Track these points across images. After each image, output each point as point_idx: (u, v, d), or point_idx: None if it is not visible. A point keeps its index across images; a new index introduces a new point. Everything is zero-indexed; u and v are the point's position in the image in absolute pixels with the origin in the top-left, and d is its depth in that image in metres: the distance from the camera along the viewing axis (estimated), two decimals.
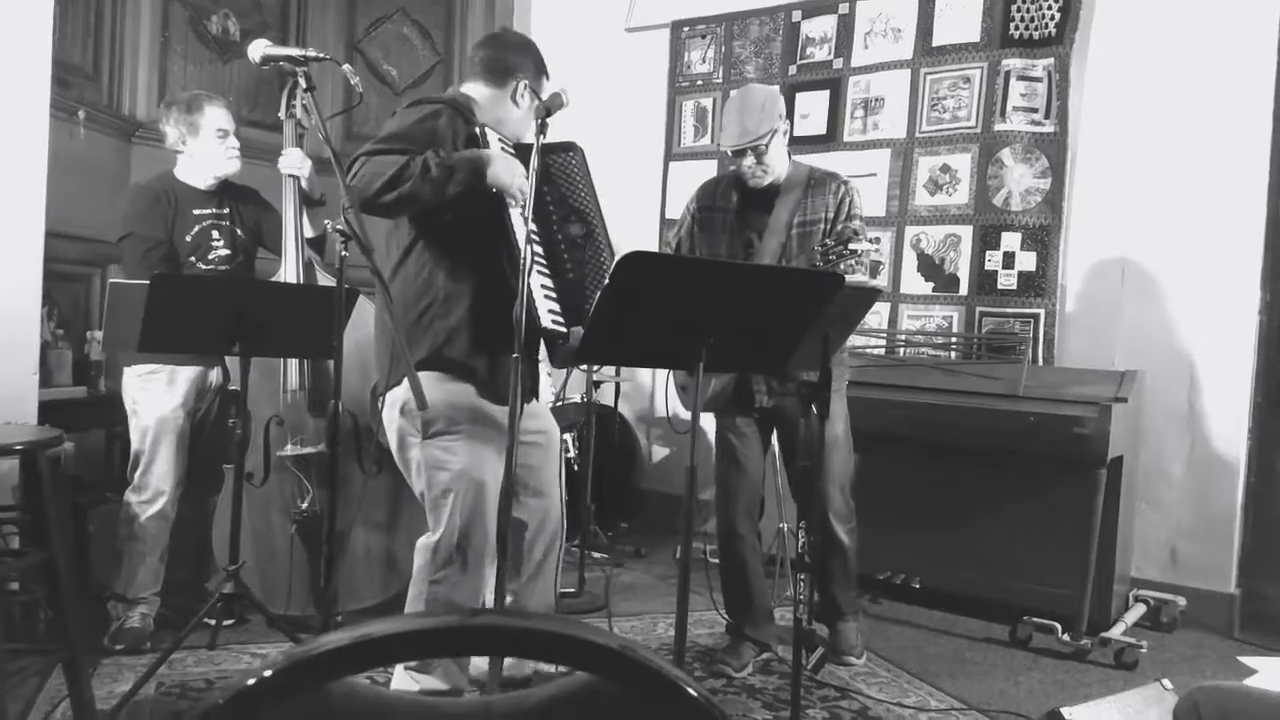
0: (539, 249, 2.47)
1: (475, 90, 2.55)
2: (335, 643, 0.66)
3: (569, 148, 2.53)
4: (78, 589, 2.67)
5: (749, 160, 2.98)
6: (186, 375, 3.22)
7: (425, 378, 2.30)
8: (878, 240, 4.38)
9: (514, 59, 2.55)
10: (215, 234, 3.31)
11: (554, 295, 2.46)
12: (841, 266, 2.79)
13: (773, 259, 3.02)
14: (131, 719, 2.58)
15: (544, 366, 2.97)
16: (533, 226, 2.29)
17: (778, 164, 3.03)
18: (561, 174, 2.52)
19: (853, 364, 3.61)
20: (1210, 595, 3.80)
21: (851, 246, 2.75)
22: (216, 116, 3.26)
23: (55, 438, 2.51)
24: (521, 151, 2.42)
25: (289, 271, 3.30)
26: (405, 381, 2.31)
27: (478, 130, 2.41)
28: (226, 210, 3.34)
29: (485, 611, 2.01)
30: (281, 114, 3.34)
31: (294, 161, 3.30)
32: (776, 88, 3.27)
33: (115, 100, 4.06)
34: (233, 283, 3.20)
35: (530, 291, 2.30)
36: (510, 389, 2.17)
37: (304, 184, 3.33)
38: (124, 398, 3.25)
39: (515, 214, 2.36)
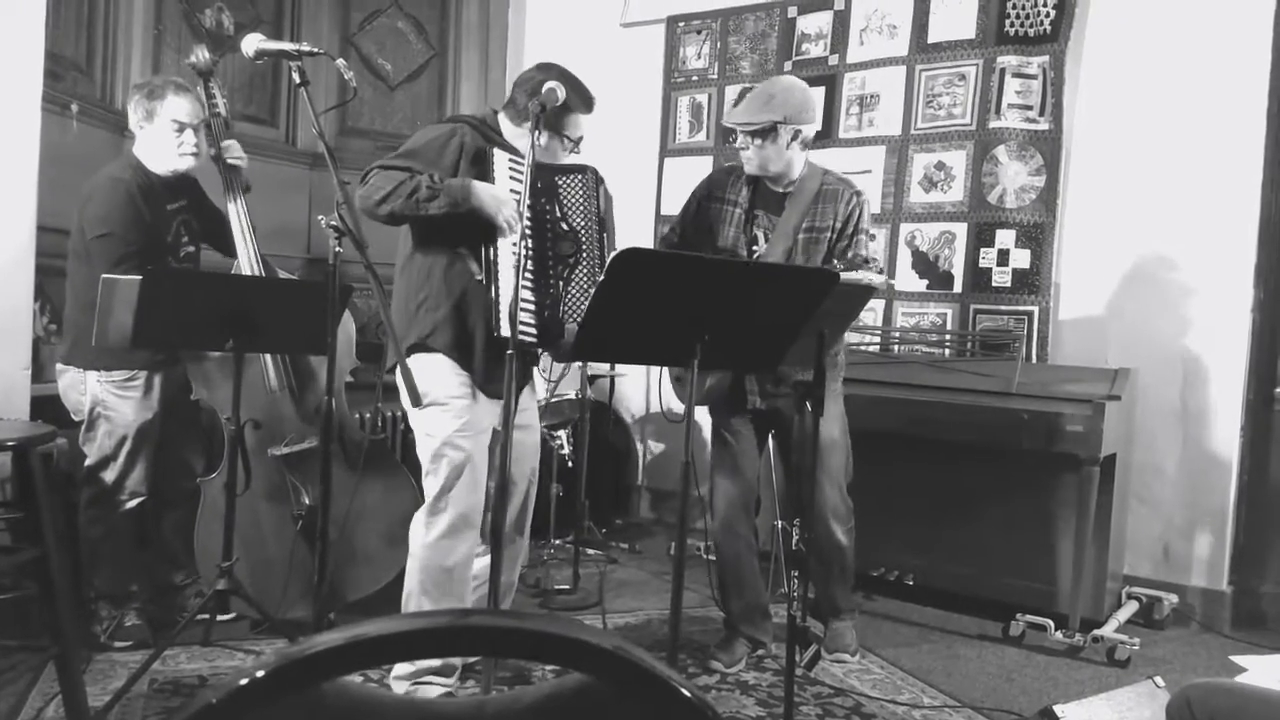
0: (528, 263, 2.64)
1: (503, 120, 2.78)
2: (328, 642, 0.66)
3: (580, 169, 2.73)
4: (70, 586, 2.66)
5: (741, 140, 3.04)
6: (160, 381, 3.13)
7: (425, 356, 2.61)
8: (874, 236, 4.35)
9: (514, 93, 2.77)
10: (183, 229, 3.21)
11: (531, 308, 2.61)
12: None
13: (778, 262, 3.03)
14: (124, 716, 2.58)
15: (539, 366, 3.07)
16: (513, 242, 2.49)
17: (774, 161, 3.01)
18: (566, 193, 2.71)
19: (846, 360, 3.61)
20: (1203, 592, 3.82)
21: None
22: (176, 107, 3.07)
23: (48, 434, 2.50)
24: (542, 172, 2.63)
25: (245, 266, 3.18)
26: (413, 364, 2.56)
27: (490, 149, 2.61)
28: (186, 202, 3.23)
29: (478, 611, 2.01)
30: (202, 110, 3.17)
31: (238, 152, 3.21)
32: (806, 87, 3.11)
33: (108, 94, 4.03)
34: (227, 277, 3.17)
35: (498, 303, 2.51)
36: (505, 387, 2.31)
37: (243, 175, 3.22)
38: (70, 398, 3.12)
39: (503, 242, 2.56)
